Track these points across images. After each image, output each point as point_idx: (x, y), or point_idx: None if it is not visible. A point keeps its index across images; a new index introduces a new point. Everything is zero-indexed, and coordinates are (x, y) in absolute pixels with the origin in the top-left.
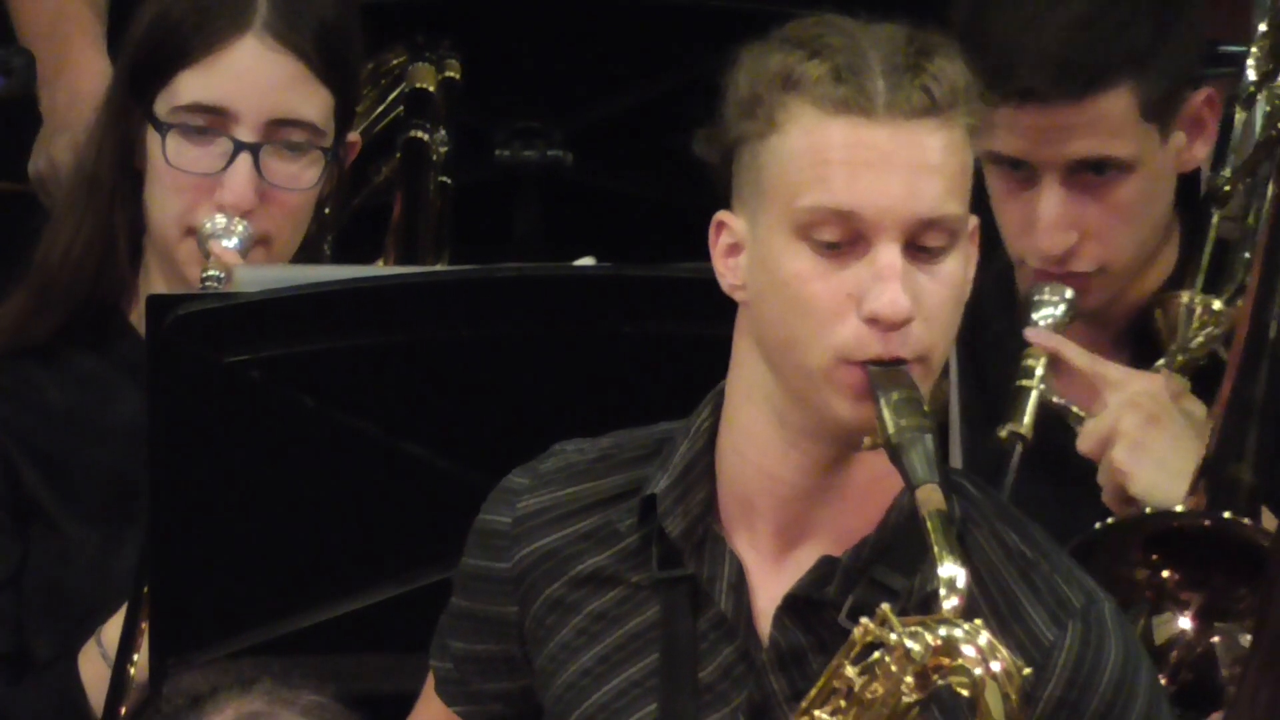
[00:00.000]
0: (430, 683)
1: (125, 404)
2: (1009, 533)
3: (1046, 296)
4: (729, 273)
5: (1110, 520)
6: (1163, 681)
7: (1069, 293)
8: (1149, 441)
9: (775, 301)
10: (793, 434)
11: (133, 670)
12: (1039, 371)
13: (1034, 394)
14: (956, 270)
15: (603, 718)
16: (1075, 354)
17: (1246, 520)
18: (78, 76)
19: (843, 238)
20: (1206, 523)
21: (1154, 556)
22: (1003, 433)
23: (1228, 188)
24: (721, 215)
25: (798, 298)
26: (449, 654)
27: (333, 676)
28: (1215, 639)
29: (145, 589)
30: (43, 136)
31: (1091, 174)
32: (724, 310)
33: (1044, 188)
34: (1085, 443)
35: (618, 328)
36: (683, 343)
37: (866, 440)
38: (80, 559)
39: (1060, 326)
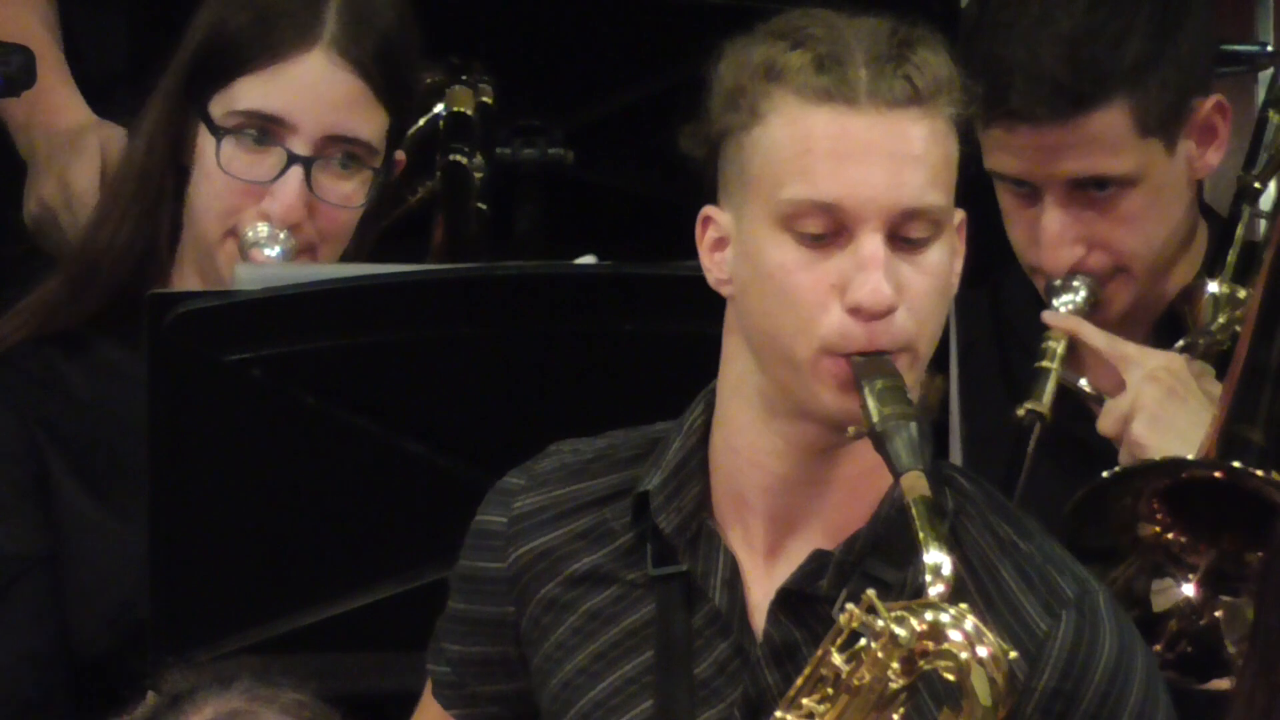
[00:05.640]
0: (429, 687)
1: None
2: (1002, 524)
3: (1067, 283)
4: (715, 267)
5: (1118, 468)
6: (1157, 650)
7: (1090, 279)
8: (1169, 415)
9: (760, 294)
10: (781, 427)
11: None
12: (1059, 352)
13: (1053, 374)
14: (941, 261)
15: (598, 715)
16: (1093, 334)
17: (1259, 472)
18: (52, 116)
19: (826, 229)
20: (1218, 473)
21: (1162, 514)
22: (1021, 411)
23: (1258, 184)
24: (708, 210)
25: (782, 289)
26: (445, 657)
27: (319, 674)
28: (1219, 612)
29: None
30: (30, 179)
31: (1093, 189)
32: (724, 309)
33: (1045, 206)
34: (1106, 421)
35: (618, 326)
36: (683, 341)
37: (851, 430)
38: (113, 553)
39: (1080, 312)
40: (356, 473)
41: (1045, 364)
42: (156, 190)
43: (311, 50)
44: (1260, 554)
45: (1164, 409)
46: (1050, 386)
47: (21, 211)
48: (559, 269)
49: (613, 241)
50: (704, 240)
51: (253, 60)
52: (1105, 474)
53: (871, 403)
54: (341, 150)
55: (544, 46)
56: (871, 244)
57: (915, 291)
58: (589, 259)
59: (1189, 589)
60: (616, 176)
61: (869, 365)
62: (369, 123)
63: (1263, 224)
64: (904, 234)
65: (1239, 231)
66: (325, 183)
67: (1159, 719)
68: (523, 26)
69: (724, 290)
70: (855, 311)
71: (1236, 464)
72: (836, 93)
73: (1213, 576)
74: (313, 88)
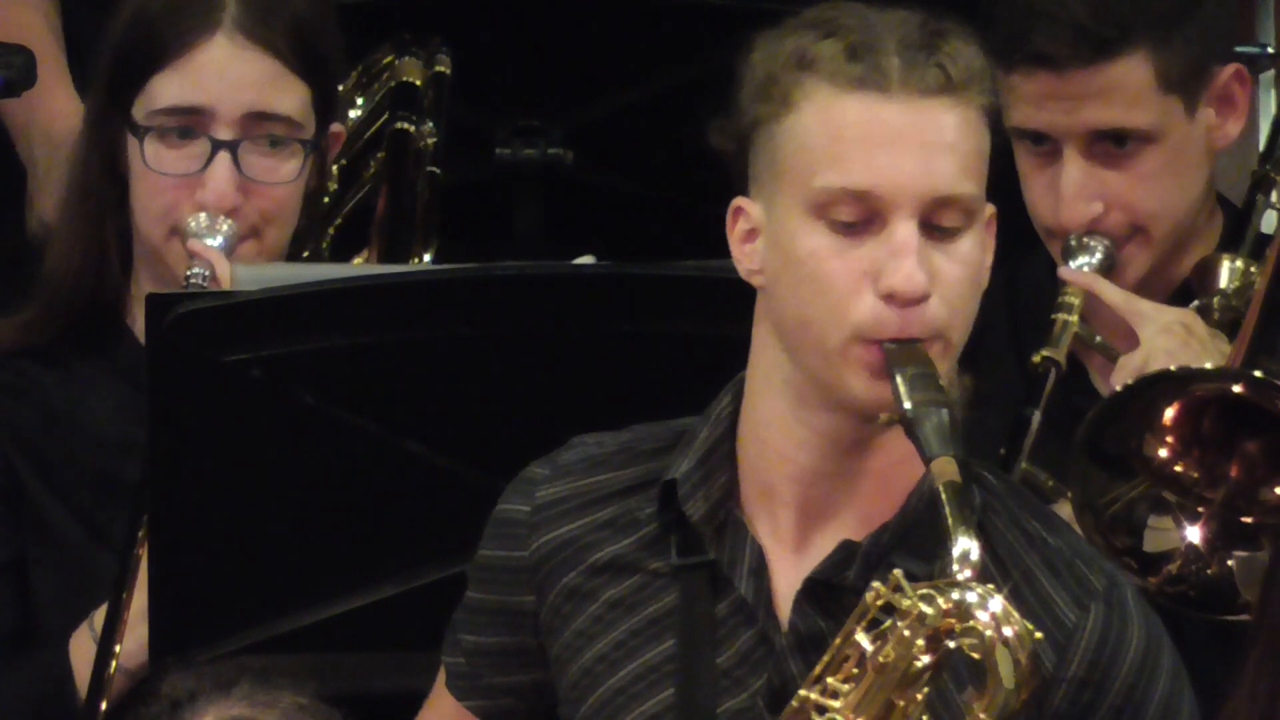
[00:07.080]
0: (441, 679)
1: (121, 407)
2: (1029, 519)
3: (1084, 244)
4: (746, 258)
5: (1137, 378)
6: (1153, 582)
7: (1107, 241)
8: (1183, 364)
9: (792, 282)
10: (811, 418)
11: (113, 666)
12: (1076, 304)
13: (1070, 325)
14: (973, 251)
15: (619, 703)
16: (1109, 290)
17: None
18: (49, 120)
19: (859, 217)
20: (1238, 385)
21: (1175, 441)
22: (1037, 358)
23: (1275, 174)
24: (739, 201)
25: (814, 276)
26: (461, 648)
27: (319, 674)
28: (1232, 561)
29: (125, 591)
30: (31, 193)
31: (1112, 145)
32: (725, 308)
33: (1065, 160)
34: (1119, 376)
35: (618, 326)
36: (683, 341)
37: (883, 416)
38: (80, 563)
39: (1098, 271)
40: (356, 473)
41: (1063, 316)
42: (98, 205)
43: (214, 35)
44: (1274, 488)
45: (1178, 360)
46: (1067, 336)
47: (19, 212)
48: (558, 269)
49: (612, 241)
50: (735, 232)
51: (163, 56)
52: (1118, 387)
53: (903, 389)
54: (265, 129)
55: (545, 46)
56: (905, 230)
57: (948, 280)
58: (588, 259)
59: (1194, 534)
60: (616, 176)
61: (901, 352)
62: (287, 97)
63: (1277, 215)
64: (936, 222)
65: (1254, 220)
66: (254, 162)
67: (1184, 712)
68: (523, 26)
69: (755, 281)
70: (889, 298)
71: (1258, 373)
72: (869, 80)
73: (1225, 512)
74: (221, 71)
